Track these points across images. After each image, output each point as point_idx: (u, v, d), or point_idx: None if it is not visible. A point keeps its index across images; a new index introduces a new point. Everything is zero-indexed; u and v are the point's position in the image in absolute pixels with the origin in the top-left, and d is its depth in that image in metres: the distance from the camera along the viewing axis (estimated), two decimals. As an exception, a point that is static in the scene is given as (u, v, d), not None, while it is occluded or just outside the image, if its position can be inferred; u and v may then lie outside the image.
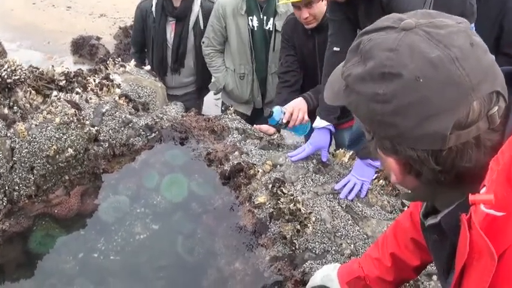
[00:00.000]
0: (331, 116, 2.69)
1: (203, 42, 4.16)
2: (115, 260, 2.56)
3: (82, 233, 2.66)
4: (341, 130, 3.56)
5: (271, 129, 3.11)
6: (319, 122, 2.71)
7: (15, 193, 2.58)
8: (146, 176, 2.86)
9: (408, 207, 1.76)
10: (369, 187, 2.55)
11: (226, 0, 3.91)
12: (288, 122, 2.90)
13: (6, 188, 2.55)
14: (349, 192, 2.49)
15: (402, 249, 1.70)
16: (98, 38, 8.08)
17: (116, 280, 2.49)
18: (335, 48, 2.82)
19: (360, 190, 2.51)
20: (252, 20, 3.84)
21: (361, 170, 2.52)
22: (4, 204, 2.55)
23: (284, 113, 2.89)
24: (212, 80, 4.34)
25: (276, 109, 2.89)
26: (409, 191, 1.26)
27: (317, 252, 2.27)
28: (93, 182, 2.79)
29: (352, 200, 2.49)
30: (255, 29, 3.87)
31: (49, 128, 2.55)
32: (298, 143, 3.09)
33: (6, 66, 2.62)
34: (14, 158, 2.54)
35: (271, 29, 3.82)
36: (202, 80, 4.47)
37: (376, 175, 2.73)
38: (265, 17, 3.81)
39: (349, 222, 2.39)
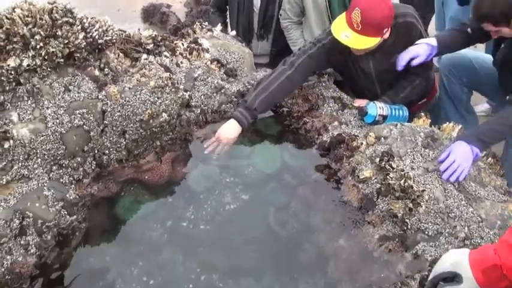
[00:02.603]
0: None
1: (280, 15, 3.90)
2: (205, 230, 2.46)
3: (170, 201, 2.58)
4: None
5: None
6: None
7: (105, 157, 2.50)
8: (237, 145, 2.75)
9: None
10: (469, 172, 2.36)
11: None
12: (386, 116, 2.70)
13: (96, 151, 2.47)
14: (451, 174, 2.31)
15: None
16: (169, 6, 7.96)
17: (205, 250, 2.38)
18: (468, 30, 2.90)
19: (460, 174, 2.31)
20: None
21: (467, 155, 2.34)
22: (93, 168, 2.48)
23: (380, 108, 2.69)
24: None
25: (371, 105, 2.69)
26: None
27: (430, 233, 2.10)
28: (184, 148, 2.69)
29: (464, 179, 2.28)
30: None
31: (143, 91, 2.44)
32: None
33: (97, 26, 2.50)
34: (105, 121, 2.45)
35: None
36: (281, 46, 4.25)
37: (484, 152, 2.52)
38: None
39: (463, 202, 2.20)
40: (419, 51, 2.79)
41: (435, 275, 1.76)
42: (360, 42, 2.65)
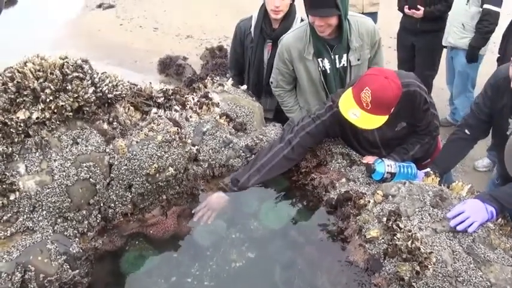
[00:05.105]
0: None
1: (271, 83, 3.80)
2: (209, 286, 2.41)
3: (175, 256, 2.55)
4: None
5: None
6: None
7: (110, 210, 2.49)
8: (244, 200, 2.73)
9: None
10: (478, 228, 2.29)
11: (290, 43, 3.45)
12: (395, 173, 2.66)
13: (102, 204, 2.46)
14: (460, 223, 2.26)
15: None
16: (185, 58, 8.13)
17: (210, 308, 2.34)
18: (466, 131, 3.00)
19: (469, 226, 2.26)
20: (322, 62, 3.43)
21: (479, 210, 2.30)
22: (98, 221, 2.47)
23: (389, 165, 2.66)
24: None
25: (379, 163, 2.67)
26: None
27: (437, 298, 2.04)
28: (190, 202, 2.68)
29: (473, 241, 2.23)
30: (327, 71, 3.46)
31: (150, 145, 2.45)
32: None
33: (107, 81, 2.55)
34: (111, 175, 2.45)
35: (345, 65, 3.44)
36: None
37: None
38: (337, 56, 3.40)
39: (471, 265, 2.13)
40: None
41: None
42: (369, 122, 2.59)
